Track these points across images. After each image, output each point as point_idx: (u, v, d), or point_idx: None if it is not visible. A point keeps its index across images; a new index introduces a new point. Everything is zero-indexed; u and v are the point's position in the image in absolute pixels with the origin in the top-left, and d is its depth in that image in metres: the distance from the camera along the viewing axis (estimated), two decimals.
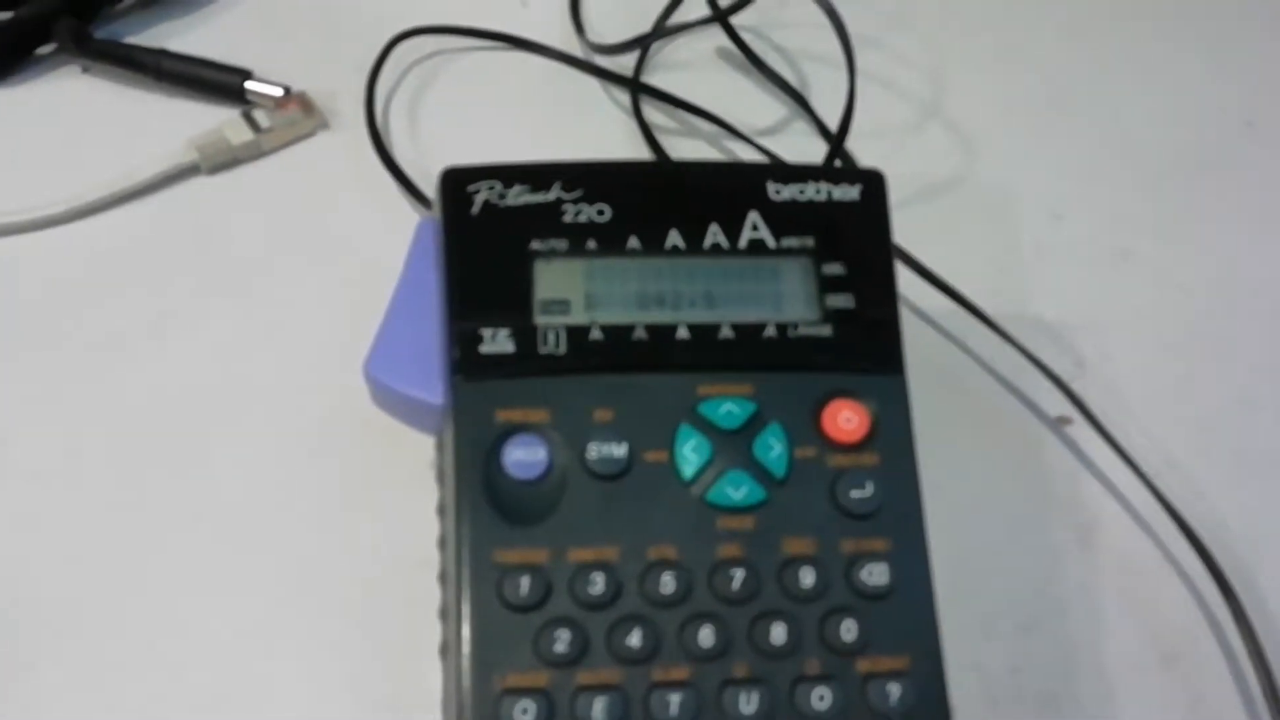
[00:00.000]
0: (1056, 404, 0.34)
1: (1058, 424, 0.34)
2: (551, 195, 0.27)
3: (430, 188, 0.38)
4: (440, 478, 0.25)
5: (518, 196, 0.27)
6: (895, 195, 0.40)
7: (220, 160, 0.37)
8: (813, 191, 0.28)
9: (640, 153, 0.40)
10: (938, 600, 0.25)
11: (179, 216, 0.37)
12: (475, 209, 0.26)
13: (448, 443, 0.25)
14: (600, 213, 0.27)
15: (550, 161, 0.27)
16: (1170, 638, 0.31)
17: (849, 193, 0.28)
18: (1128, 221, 0.39)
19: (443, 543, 0.24)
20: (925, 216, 0.39)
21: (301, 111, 0.38)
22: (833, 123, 0.40)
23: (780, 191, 0.27)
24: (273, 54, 0.40)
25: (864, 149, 0.40)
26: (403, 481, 0.29)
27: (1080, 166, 0.41)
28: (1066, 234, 0.39)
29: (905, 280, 0.32)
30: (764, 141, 0.40)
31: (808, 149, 0.40)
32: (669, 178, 0.28)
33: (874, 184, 0.28)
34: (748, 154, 0.40)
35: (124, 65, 0.39)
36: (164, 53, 0.39)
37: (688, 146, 0.40)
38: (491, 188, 0.27)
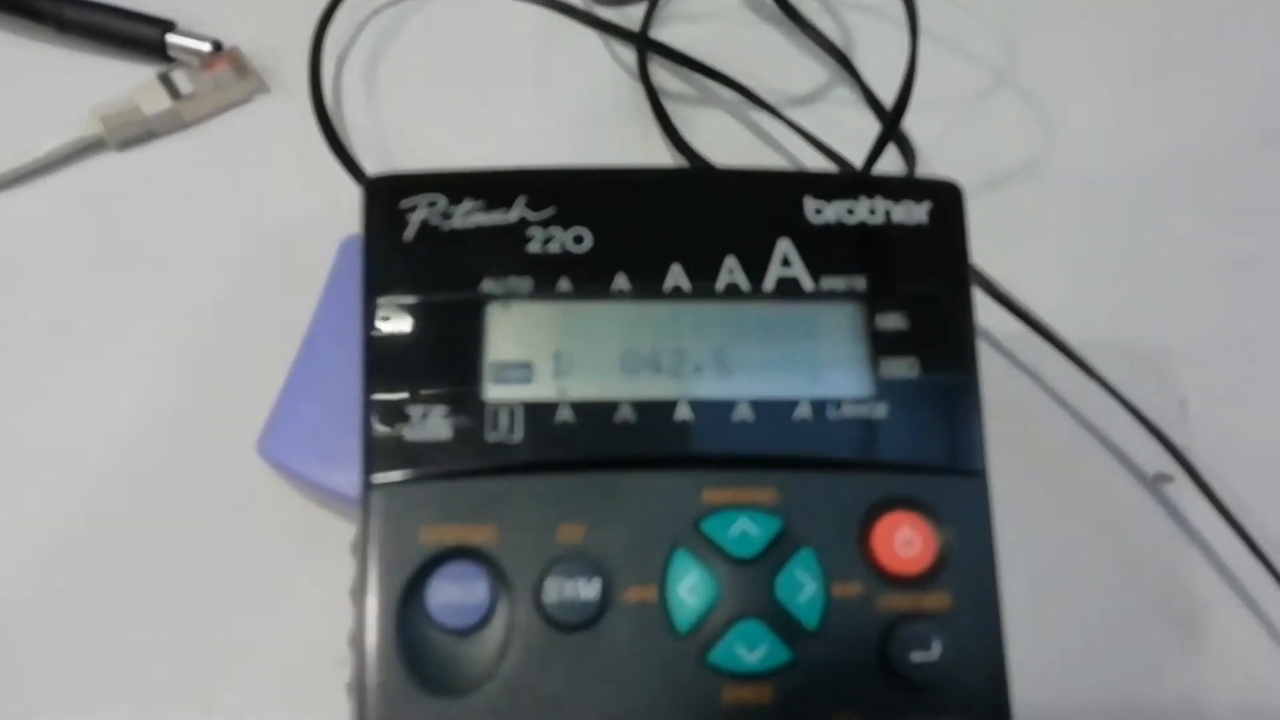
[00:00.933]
0: (1154, 458, 0.28)
1: (1155, 483, 0.28)
2: (513, 215, 0.20)
3: (387, 169, 0.31)
4: (353, 597, 0.19)
5: (468, 216, 0.20)
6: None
7: (131, 134, 0.31)
8: (865, 211, 0.20)
9: (646, 124, 0.32)
10: None
11: (80, 202, 0.31)
12: (410, 233, 0.20)
13: (359, 554, 0.19)
14: (578, 240, 0.20)
15: (512, 169, 0.20)
16: None
17: (915, 213, 0.21)
18: (1246, 220, 0.32)
19: (349, 691, 0.18)
20: (992, 210, 0.32)
21: (232, 72, 0.32)
22: (881, 88, 0.33)
23: (822, 211, 0.20)
24: (202, 1, 0.33)
25: (918, 123, 0.33)
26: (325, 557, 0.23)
27: (1186, 148, 0.33)
28: (1169, 235, 0.32)
29: None
30: (798, 113, 0.33)
31: (852, 122, 0.33)
32: (671, 191, 0.21)
33: (948, 201, 0.21)
34: (777, 130, 0.33)
35: (19, 13, 0.32)
36: None
37: (703, 117, 0.33)
38: (433, 203, 0.20)
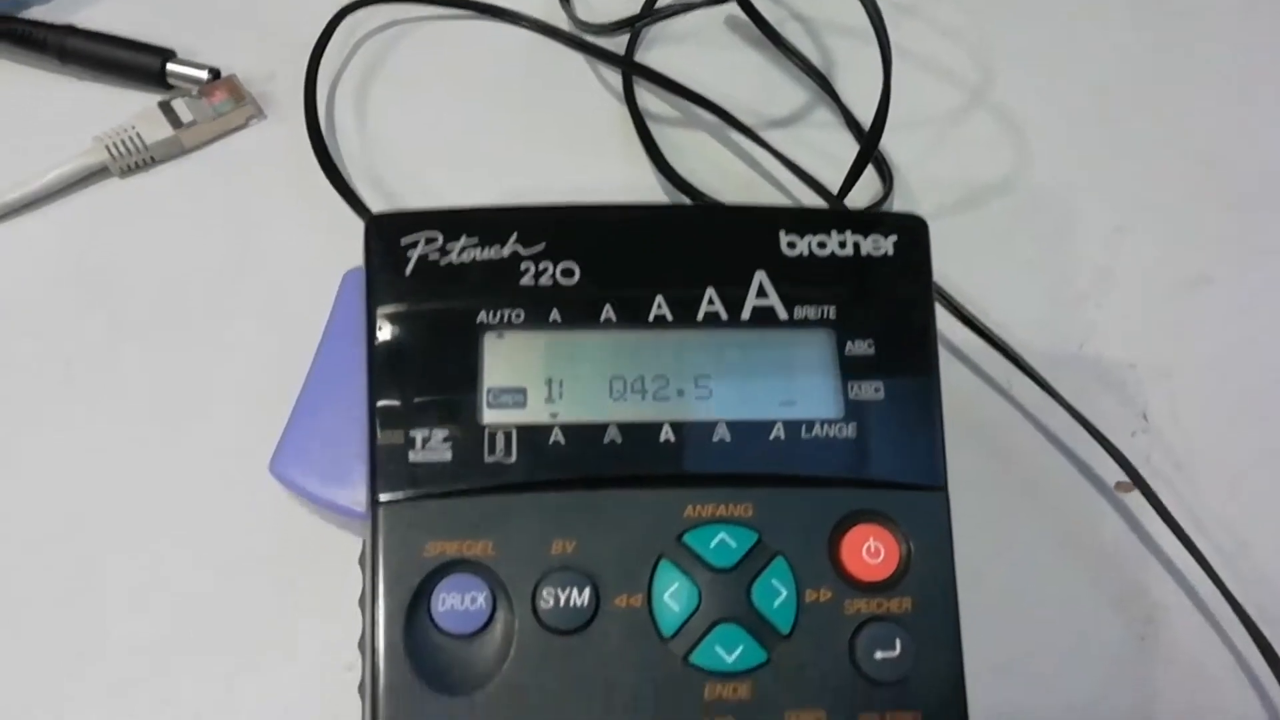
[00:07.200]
0: (1116, 468, 0.29)
1: (1117, 490, 0.30)
2: (506, 250, 0.21)
3: (381, 195, 0.32)
4: (362, 605, 0.20)
5: (463, 252, 0.21)
6: (931, 201, 0.34)
7: (134, 160, 0.32)
8: (835, 244, 0.22)
9: (631, 146, 0.34)
10: None
11: (84, 228, 0.32)
12: (409, 268, 0.21)
13: (367, 567, 0.20)
14: (567, 273, 0.21)
15: (505, 206, 0.22)
16: None
17: (881, 245, 0.22)
18: (1206, 241, 0.34)
19: (361, 692, 0.20)
20: (964, 228, 0.34)
21: (231, 100, 0.33)
22: (861, 110, 0.35)
23: (795, 245, 0.22)
24: (198, 30, 0.34)
25: (895, 144, 0.34)
26: (335, 576, 0.24)
27: (1151, 171, 0.35)
28: (1132, 254, 0.33)
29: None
30: (779, 135, 0.34)
31: (830, 144, 0.34)
32: (654, 227, 0.22)
33: (913, 234, 0.23)
34: (759, 153, 0.34)
35: (23, 44, 0.33)
36: (70, 29, 0.33)
37: (686, 139, 0.35)
38: (431, 240, 0.21)
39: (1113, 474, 0.30)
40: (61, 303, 0.30)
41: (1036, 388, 0.30)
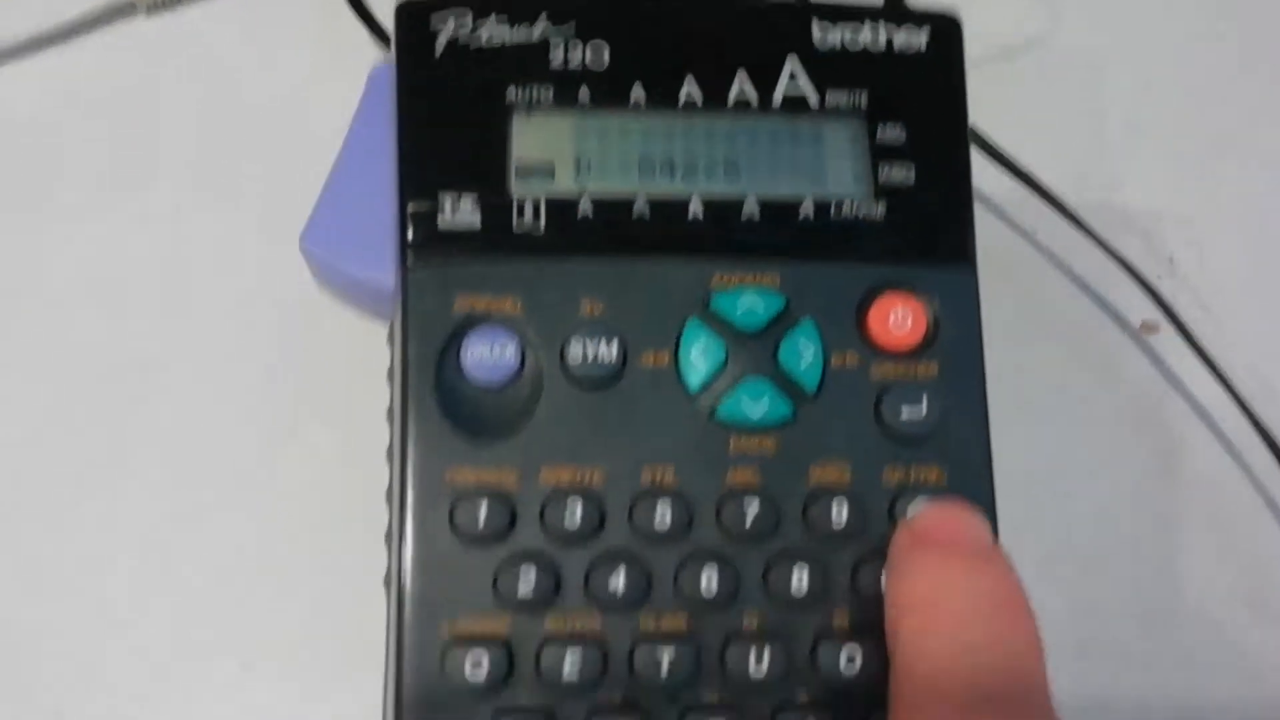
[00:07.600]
0: (1141, 308, 0.30)
1: (1141, 332, 0.30)
2: (536, 31, 0.21)
3: None
4: (390, 376, 0.21)
5: (492, 33, 0.21)
6: None
7: None
8: (868, 37, 0.22)
9: None
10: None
11: (111, 66, 0.32)
12: (438, 50, 0.21)
13: (396, 334, 0.20)
14: (597, 54, 0.21)
15: None
16: (1261, 585, 0.27)
17: (915, 39, 0.22)
18: (1233, 96, 0.33)
19: (390, 454, 0.20)
20: (994, 81, 0.32)
21: None
22: None
23: (828, 35, 0.22)
24: None
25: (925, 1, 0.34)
26: (355, 375, 0.24)
27: (1181, 27, 0.34)
28: (1160, 108, 0.33)
29: None
30: None
31: None
32: (686, 12, 0.22)
33: (946, 31, 0.22)
34: None
35: None
36: None
37: None
38: (460, 21, 0.21)
39: (1138, 315, 0.30)
40: (86, 137, 0.30)
41: (1062, 235, 0.30)
